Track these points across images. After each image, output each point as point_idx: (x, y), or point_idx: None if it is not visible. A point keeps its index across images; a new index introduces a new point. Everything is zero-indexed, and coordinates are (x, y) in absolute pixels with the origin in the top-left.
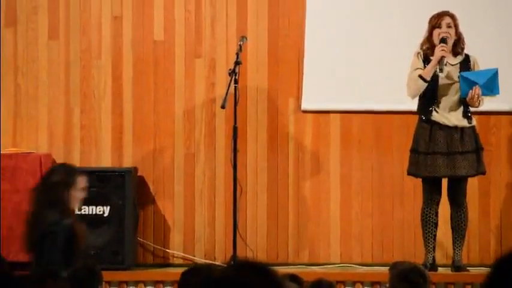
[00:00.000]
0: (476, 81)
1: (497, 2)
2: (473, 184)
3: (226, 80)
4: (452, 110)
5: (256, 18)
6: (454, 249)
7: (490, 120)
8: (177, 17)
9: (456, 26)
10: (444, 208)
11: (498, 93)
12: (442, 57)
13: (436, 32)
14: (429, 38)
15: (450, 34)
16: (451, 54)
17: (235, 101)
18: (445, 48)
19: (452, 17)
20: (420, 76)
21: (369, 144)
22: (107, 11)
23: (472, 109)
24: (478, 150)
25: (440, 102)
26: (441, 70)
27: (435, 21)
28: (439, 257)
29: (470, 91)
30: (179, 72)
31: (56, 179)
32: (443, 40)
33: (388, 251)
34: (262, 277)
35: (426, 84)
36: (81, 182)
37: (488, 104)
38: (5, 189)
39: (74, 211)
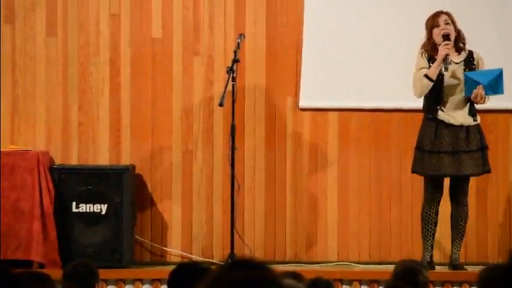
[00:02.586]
0: (479, 82)
1: (497, 1)
2: (470, 183)
3: (224, 77)
4: (458, 109)
5: (254, 16)
6: (452, 247)
7: (487, 118)
8: (175, 14)
9: (454, 22)
10: (442, 207)
11: (502, 93)
12: (447, 55)
13: (435, 31)
14: (430, 39)
15: (449, 29)
16: (454, 51)
17: (233, 98)
18: (448, 46)
19: (447, 14)
20: (426, 75)
21: (367, 142)
22: (105, 8)
23: (477, 107)
24: (483, 148)
25: (446, 101)
26: (446, 69)
27: (432, 21)
28: (437, 255)
29: (474, 90)
30: (177, 70)
31: None
32: (445, 37)
33: (385, 250)
34: (259, 275)
35: (432, 84)
36: None
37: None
38: (2, 187)
39: None
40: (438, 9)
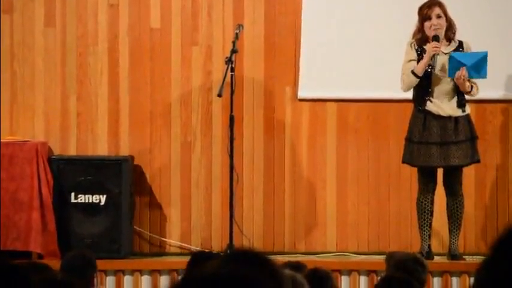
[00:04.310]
0: (464, 63)
1: None
2: (469, 173)
3: (223, 68)
4: (446, 100)
5: (252, 6)
6: (450, 237)
7: (487, 108)
8: (174, 4)
9: (446, 14)
10: (440, 197)
11: (486, 76)
12: (434, 55)
13: (427, 24)
14: (421, 29)
15: (441, 24)
16: (444, 42)
17: (231, 89)
18: (437, 46)
19: (440, 6)
20: (413, 72)
21: (365, 132)
22: None
23: (467, 97)
24: (472, 138)
25: (434, 92)
26: (433, 68)
27: (425, 13)
28: (436, 246)
29: (458, 72)
30: (175, 60)
31: None
32: (435, 38)
33: (384, 240)
34: (259, 266)
35: (418, 80)
36: None
37: (484, 92)
38: (1, 178)
39: None
40: None
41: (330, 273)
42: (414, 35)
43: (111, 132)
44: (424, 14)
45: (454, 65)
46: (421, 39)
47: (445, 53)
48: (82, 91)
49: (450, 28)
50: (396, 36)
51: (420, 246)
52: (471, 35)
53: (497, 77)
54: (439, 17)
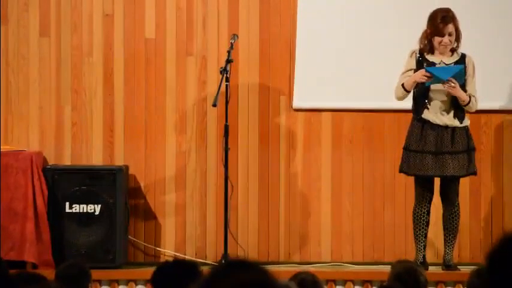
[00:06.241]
0: (440, 77)
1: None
2: (464, 183)
3: (218, 78)
4: (444, 110)
5: (247, 16)
6: (445, 248)
7: (481, 119)
8: (169, 14)
9: (457, 29)
10: (435, 207)
11: (462, 82)
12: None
13: (437, 39)
14: (430, 39)
15: (450, 42)
16: (447, 53)
17: (226, 99)
18: (427, 76)
19: (454, 21)
20: (403, 85)
21: (360, 142)
22: (98, 8)
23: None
24: (469, 150)
25: (432, 101)
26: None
27: (440, 28)
28: (430, 256)
29: (443, 85)
30: (170, 70)
31: None
32: (431, 65)
33: (379, 250)
34: (254, 276)
35: (408, 94)
36: None
37: (479, 103)
38: None
39: None
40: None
41: (318, 279)
42: (421, 39)
43: (106, 142)
44: (437, 28)
45: (433, 78)
46: (426, 48)
47: (446, 64)
48: (77, 101)
49: (456, 40)
50: (391, 46)
51: (415, 256)
52: (469, 41)
53: (492, 88)
54: (450, 35)
